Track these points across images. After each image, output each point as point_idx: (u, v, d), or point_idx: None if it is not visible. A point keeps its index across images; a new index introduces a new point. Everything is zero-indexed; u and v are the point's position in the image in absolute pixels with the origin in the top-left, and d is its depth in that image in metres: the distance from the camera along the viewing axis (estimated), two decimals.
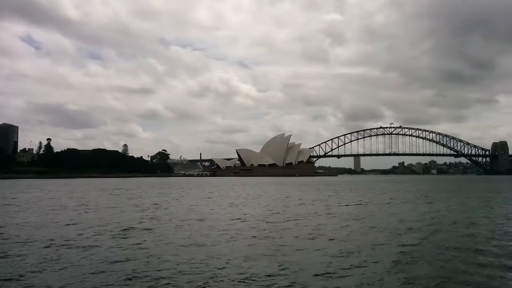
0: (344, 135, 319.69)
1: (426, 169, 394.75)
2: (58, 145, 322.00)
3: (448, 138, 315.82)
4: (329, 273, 10.71)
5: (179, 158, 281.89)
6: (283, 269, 11.01)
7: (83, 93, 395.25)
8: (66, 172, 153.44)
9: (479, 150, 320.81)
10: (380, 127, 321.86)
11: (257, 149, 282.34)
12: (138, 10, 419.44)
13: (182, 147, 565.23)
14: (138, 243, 14.77)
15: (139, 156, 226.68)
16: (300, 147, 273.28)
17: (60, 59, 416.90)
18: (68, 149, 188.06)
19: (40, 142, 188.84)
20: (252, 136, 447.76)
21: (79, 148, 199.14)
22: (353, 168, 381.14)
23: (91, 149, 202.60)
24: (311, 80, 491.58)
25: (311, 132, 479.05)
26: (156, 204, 33.57)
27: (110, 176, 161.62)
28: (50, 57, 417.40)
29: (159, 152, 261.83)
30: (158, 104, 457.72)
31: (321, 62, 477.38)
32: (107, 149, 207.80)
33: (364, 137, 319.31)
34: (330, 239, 15.82)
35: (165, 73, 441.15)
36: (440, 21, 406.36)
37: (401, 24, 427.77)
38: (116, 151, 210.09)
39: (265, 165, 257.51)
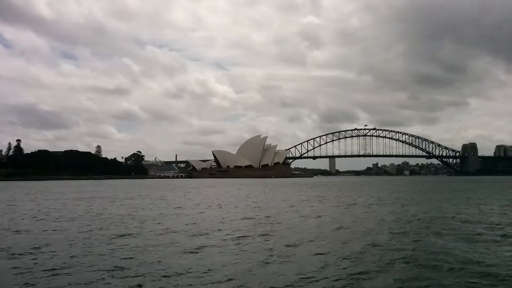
0: (319, 136, 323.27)
1: (399, 170, 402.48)
2: (29, 147, 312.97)
3: (420, 140, 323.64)
4: None
5: (154, 159, 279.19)
6: None
7: (55, 93, 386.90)
8: (36, 174, 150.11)
9: (450, 152, 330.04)
10: (355, 129, 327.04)
11: (233, 150, 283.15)
12: (114, 10, 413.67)
13: (157, 149, 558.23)
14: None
15: (113, 158, 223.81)
16: (276, 149, 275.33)
17: (33, 58, 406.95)
18: (39, 151, 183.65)
19: (9, 143, 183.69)
20: (228, 137, 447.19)
21: (50, 150, 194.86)
22: (328, 169, 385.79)
23: (62, 150, 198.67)
24: (287, 82, 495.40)
25: (287, 134, 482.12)
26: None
27: (82, 178, 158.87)
28: (22, 56, 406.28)
29: (134, 153, 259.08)
30: (133, 104, 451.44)
31: (298, 64, 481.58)
32: (80, 150, 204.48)
33: (339, 139, 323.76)
34: None
35: (141, 73, 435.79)
36: (413, 25, 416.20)
37: (375, 28, 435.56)
38: (89, 153, 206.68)
39: (241, 166, 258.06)
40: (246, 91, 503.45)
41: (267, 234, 17.71)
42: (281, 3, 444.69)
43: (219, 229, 19.24)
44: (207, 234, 17.82)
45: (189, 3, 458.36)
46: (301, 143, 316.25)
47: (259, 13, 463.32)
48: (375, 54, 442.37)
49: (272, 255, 13.29)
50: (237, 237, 17.03)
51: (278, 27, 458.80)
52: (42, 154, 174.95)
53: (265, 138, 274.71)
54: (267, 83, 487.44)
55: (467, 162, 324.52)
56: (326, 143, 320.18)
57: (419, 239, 16.24)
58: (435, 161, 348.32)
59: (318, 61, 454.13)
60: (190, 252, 13.83)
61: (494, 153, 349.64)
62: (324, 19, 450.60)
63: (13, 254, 13.48)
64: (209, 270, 11.38)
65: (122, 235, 17.31)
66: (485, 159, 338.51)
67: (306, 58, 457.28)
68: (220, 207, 32.52)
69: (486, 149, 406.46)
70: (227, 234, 17.67)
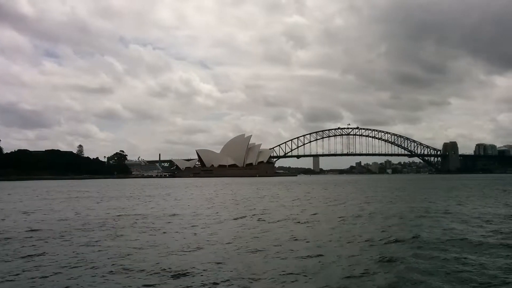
0: (303, 135, 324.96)
1: (381, 168, 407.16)
2: (9, 146, 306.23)
3: (402, 139, 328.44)
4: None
5: (137, 159, 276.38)
6: None
7: (37, 92, 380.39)
8: (16, 174, 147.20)
9: (431, 150, 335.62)
10: (338, 128, 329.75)
11: (218, 149, 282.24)
12: (98, 8, 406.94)
13: (141, 148, 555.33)
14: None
15: (95, 157, 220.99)
16: (261, 148, 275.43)
17: (14, 56, 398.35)
18: (19, 150, 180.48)
19: None
20: (212, 136, 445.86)
21: (31, 149, 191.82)
22: (312, 168, 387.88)
23: (44, 150, 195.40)
24: (271, 82, 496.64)
25: (271, 133, 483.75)
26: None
27: (64, 178, 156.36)
28: (3, 54, 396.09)
29: (116, 153, 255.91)
30: (116, 103, 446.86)
31: (282, 64, 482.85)
32: (61, 150, 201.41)
33: (322, 138, 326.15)
34: None
35: (124, 72, 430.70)
36: (395, 26, 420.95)
37: (359, 28, 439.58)
38: (71, 152, 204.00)
39: (226, 165, 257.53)
40: (231, 90, 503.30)
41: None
42: (266, 3, 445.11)
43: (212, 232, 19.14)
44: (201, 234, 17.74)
45: (174, 1, 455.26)
46: (285, 142, 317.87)
47: (244, 13, 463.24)
48: (359, 54, 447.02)
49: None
50: (231, 238, 16.98)
51: (263, 27, 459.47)
52: (22, 154, 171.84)
53: (249, 137, 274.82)
54: (252, 83, 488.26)
55: (448, 161, 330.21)
56: (310, 142, 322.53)
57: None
58: (417, 159, 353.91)
59: (302, 61, 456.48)
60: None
61: (474, 151, 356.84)
62: (308, 19, 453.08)
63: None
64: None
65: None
66: (465, 157, 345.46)
67: (290, 57, 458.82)
68: (211, 208, 32.37)
69: (466, 148, 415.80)
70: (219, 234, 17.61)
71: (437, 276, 10.64)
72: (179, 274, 11.12)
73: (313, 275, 10.93)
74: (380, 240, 16.01)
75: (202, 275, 10.97)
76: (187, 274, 11.13)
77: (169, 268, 11.73)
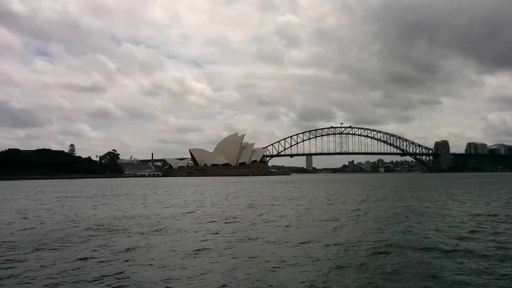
0: (296, 134, 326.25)
1: (374, 167, 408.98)
2: None
3: (394, 138, 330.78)
4: None
5: (129, 158, 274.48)
6: None
7: (28, 91, 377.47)
8: (6, 174, 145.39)
9: (423, 149, 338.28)
10: (331, 127, 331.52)
11: (211, 148, 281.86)
12: (90, 6, 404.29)
13: (133, 147, 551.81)
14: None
15: (87, 157, 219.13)
16: (254, 147, 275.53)
17: (5, 55, 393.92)
18: (9, 149, 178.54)
19: None
20: (205, 135, 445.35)
21: (22, 149, 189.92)
22: (305, 167, 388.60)
23: (35, 149, 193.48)
24: (264, 80, 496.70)
25: (264, 132, 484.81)
26: None
27: (55, 177, 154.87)
28: None
29: (109, 152, 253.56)
30: (108, 102, 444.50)
31: (275, 63, 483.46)
32: (52, 149, 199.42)
33: (315, 137, 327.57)
34: None
35: (117, 70, 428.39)
36: (388, 25, 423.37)
37: (351, 28, 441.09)
38: (62, 151, 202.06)
39: (219, 164, 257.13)
40: (224, 89, 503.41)
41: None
42: (259, 2, 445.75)
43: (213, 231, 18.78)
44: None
45: (166, 0, 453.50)
46: (278, 141, 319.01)
47: (237, 11, 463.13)
48: (351, 53, 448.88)
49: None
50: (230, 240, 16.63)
51: (255, 26, 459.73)
52: (12, 153, 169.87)
53: (243, 136, 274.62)
54: (245, 81, 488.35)
55: (439, 159, 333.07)
56: (303, 141, 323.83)
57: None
58: (409, 158, 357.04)
59: (295, 60, 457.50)
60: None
61: (465, 150, 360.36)
62: (301, 18, 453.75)
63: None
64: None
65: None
66: (456, 156, 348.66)
67: (283, 56, 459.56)
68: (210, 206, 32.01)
69: (457, 147, 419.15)
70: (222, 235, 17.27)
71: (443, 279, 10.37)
72: (183, 276, 10.76)
73: (325, 276, 10.62)
74: (384, 240, 15.76)
75: (205, 277, 10.62)
76: (191, 276, 10.78)
77: (171, 268, 11.39)
